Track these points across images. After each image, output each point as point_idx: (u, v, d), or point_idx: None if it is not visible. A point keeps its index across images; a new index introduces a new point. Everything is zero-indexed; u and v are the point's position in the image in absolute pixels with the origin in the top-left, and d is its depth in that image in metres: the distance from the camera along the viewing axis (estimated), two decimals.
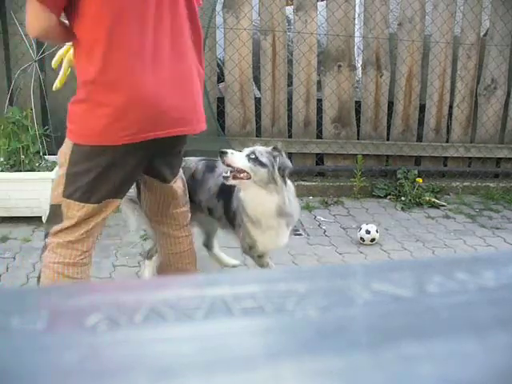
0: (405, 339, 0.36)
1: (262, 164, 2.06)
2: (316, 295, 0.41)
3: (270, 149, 2.13)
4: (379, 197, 4.18)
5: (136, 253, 2.97)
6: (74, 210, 1.77)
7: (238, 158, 2.06)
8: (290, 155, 4.34)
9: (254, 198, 2.14)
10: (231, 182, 2.10)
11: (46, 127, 3.60)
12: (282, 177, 2.11)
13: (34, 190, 3.26)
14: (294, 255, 2.96)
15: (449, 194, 4.36)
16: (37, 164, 3.37)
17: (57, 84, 1.95)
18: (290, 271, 0.71)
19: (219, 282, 0.46)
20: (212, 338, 0.36)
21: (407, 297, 0.41)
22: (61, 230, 1.79)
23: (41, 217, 3.31)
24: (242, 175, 2.07)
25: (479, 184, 4.48)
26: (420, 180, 4.22)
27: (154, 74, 1.69)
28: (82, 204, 1.76)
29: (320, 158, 4.42)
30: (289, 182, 2.20)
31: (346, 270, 0.51)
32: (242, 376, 0.32)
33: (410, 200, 4.06)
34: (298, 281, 0.44)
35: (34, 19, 1.58)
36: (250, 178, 2.07)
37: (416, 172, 4.26)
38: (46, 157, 3.51)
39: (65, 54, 1.95)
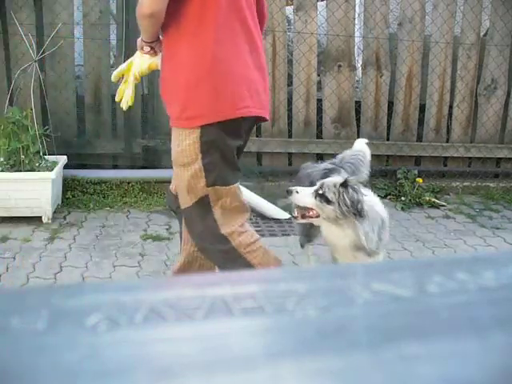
0: (405, 339, 0.36)
1: (328, 201, 1.97)
2: (316, 295, 0.41)
3: (339, 181, 2.00)
4: (379, 197, 4.17)
5: (136, 253, 2.97)
6: (223, 195, 1.88)
7: (303, 196, 2.01)
8: (289, 155, 4.35)
9: (328, 232, 2.08)
10: (300, 221, 2.06)
11: (46, 127, 3.59)
12: (356, 212, 1.96)
13: (34, 190, 3.26)
14: (293, 255, 2.95)
15: (449, 194, 4.35)
16: (37, 164, 3.37)
17: (128, 102, 1.98)
18: (289, 271, 0.71)
19: (219, 282, 0.46)
20: (212, 337, 0.36)
21: (407, 297, 0.41)
22: (227, 213, 1.90)
23: (41, 217, 3.31)
24: (310, 213, 2.02)
25: (479, 184, 4.48)
26: (420, 180, 4.21)
27: (254, 58, 1.89)
28: (228, 187, 1.88)
29: (320, 158, 4.42)
30: (380, 210, 2.13)
31: (346, 270, 0.51)
32: (242, 376, 0.32)
33: (410, 200, 4.05)
34: (298, 281, 0.44)
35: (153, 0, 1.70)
36: (318, 216, 2.01)
37: (416, 172, 4.25)
38: (45, 157, 3.51)
39: (128, 69, 1.95)
